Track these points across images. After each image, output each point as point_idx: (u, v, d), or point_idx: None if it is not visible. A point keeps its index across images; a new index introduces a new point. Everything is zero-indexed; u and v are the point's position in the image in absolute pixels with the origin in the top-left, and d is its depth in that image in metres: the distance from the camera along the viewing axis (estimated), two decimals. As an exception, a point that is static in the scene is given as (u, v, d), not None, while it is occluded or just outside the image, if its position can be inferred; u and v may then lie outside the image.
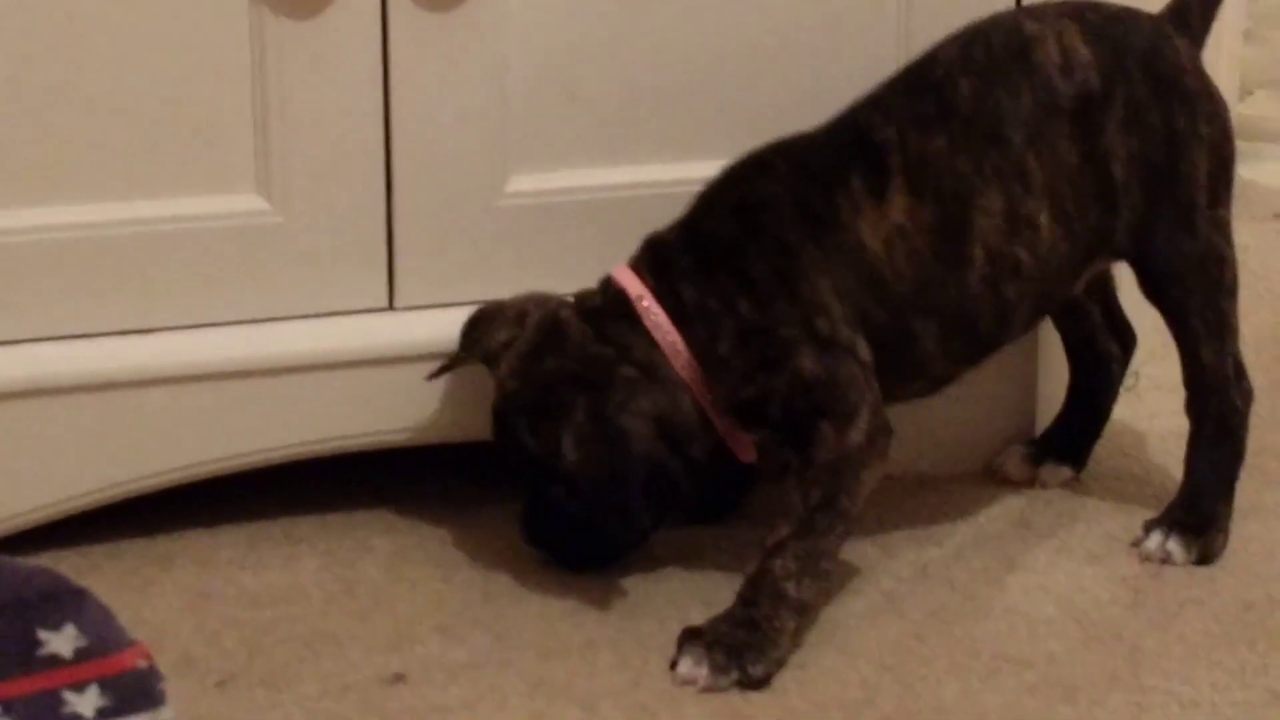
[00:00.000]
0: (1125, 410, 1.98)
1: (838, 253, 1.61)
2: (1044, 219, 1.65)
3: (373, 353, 1.73)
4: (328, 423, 1.73)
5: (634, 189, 1.75)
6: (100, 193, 1.67)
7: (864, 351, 1.60)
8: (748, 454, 1.67)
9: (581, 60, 1.74)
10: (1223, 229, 1.72)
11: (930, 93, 1.65)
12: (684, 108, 1.76)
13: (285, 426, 1.72)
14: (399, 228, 1.73)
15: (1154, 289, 1.72)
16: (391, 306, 1.75)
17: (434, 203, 1.73)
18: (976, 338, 1.66)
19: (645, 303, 1.62)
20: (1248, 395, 1.75)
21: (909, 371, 1.65)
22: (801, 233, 1.61)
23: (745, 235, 1.62)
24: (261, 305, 1.72)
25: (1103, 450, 1.90)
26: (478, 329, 1.69)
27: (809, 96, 1.69)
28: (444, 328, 1.73)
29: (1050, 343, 1.87)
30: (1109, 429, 1.91)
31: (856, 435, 1.57)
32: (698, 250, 1.63)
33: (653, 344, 1.61)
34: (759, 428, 1.63)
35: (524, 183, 1.75)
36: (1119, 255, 1.72)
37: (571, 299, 1.67)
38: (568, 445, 1.60)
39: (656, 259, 1.64)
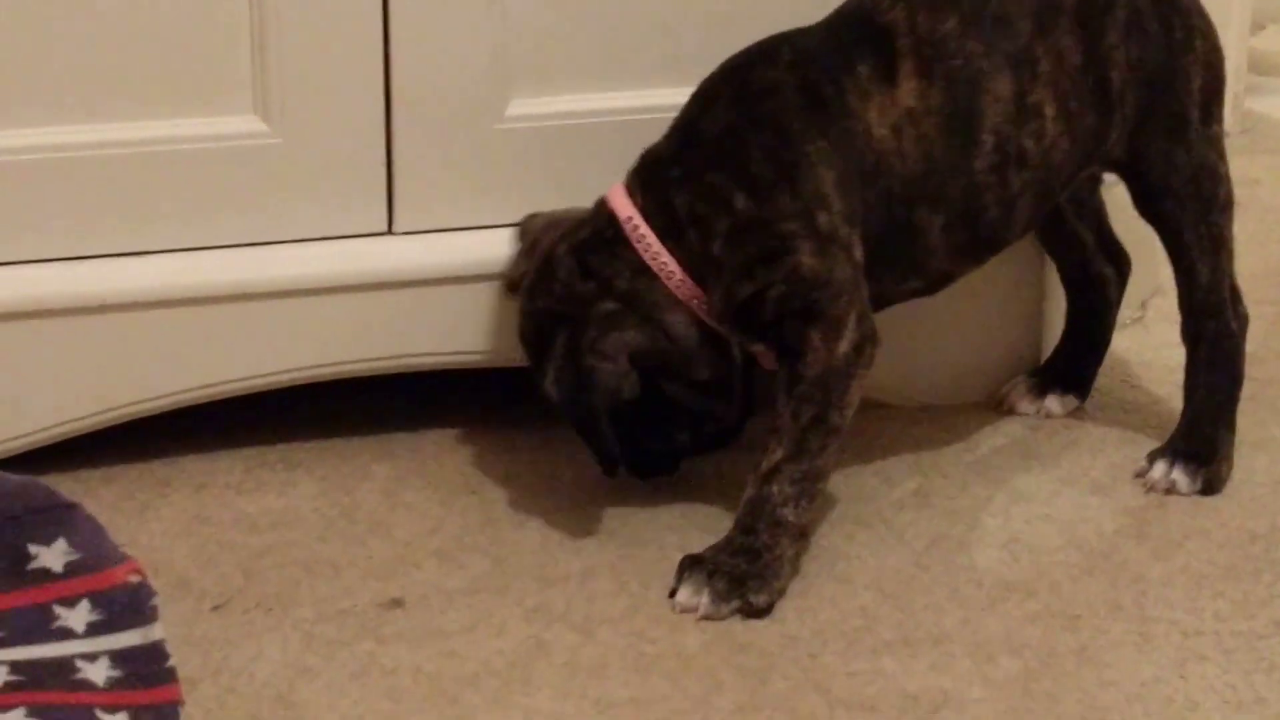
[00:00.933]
0: (1132, 341, 1.96)
1: (845, 141, 1.59)
2: (1049, 110, 1.63)
3: (371, 277, 1.71)
4: (326, 347, 1.72)
5: (635, 113, 1.73)
6: (97, 113, 1.65)
7: (859, 252, 1.59)
8: (770, 361, 1.64)
9: (582, -19, 1.72)
10: (1215, 145, 1.72)
11: None
12: (686, 30, 1.75)
13: (283, 351, 1.71)
14: (398, 151, 1.72)
15: (1148, 202, 1.72)
16: (390, 230, 1.74)
17: (434, 126, 1.72)
18: (980, 230, 1.64)
19: (633, 223, 1.60)
20: (1243, 320, 1.74)
21: (909, 267, 1.63)
22: (806, 120, 1.58)
23: (745, 125, 1.59)
24: (259, 228, 1.71)
25: (1109, 381, 1.89)
26: (520, 242, 1.72)
27: (814, 18, 1.66)
28: (443, 252, 1.72)
29: (1054, 272, 1.85)
30: (1114, 358, 1.90)
31: (844, 345, 1.56)
32: (692, 151, 1.60)
33: (641, 269, 1.59)
34: (752, 335, 1.61)
35: (525, 106, 1.74)
36: (1112, 164, 1.71)
37: (568, 227, 1.65)
38: (549, 382, 1.60)
39: (648, 173, 1.62)
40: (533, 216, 1.71)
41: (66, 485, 1.66)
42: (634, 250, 1.60)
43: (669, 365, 1.61)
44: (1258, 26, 2.74)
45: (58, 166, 1.65)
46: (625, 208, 1.61)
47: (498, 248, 1.72)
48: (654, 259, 1.59)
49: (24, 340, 1.65)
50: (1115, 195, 1.81)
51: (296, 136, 1.69)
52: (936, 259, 1.64)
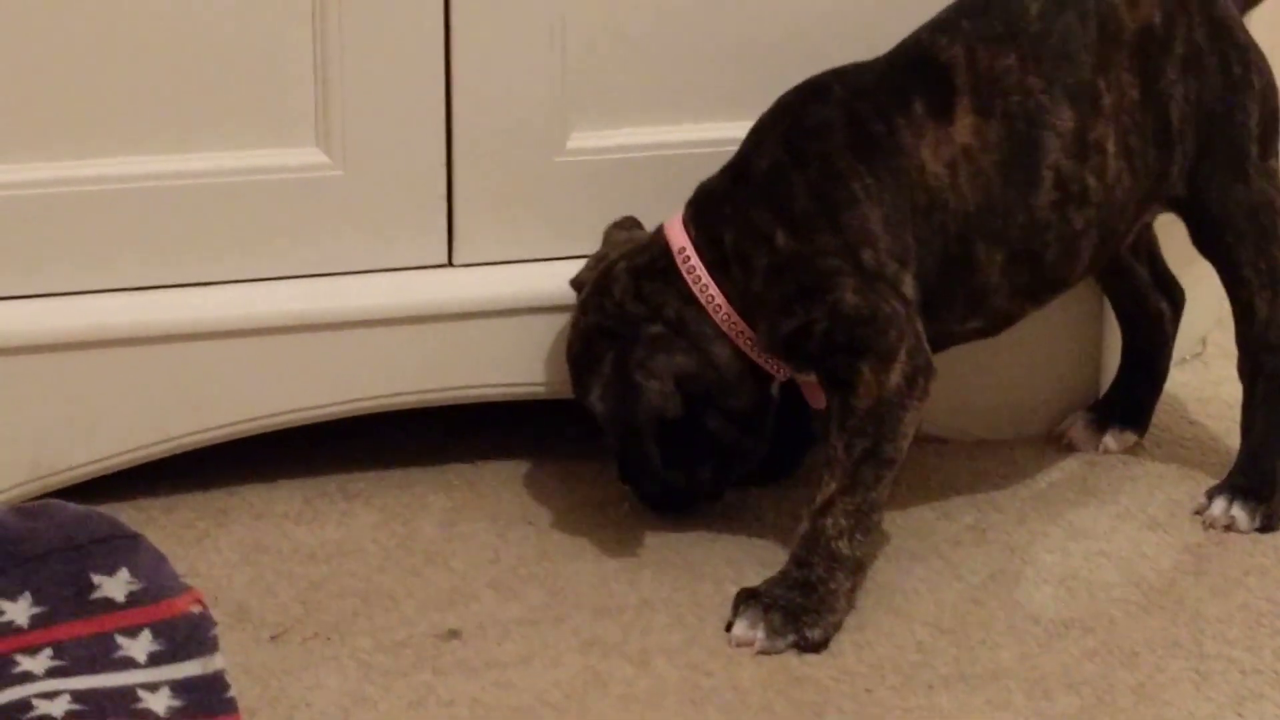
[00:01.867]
0: (1191, 376, 1.96)
1: (894, 179, 1.58)
2: (1111, 146, 1.63)
3: (432, 309, 1.72)
4: (386, 379, 1.73)
5: (695, 146, 1.74)
6: (162, 145, 1.67)
7: (909, 288, 1.58)
8: (817, 399, 1.66)
9: (642, 15, 1.72)
10: (1274, 179, 1.71)
11: (998, 11, 1.63)
12: (745, 63, 1.75)
13: (343, 382, 1.72)
14: (459, 183, 1.73)
15: (1206, 238, 1.71)
16: (450, 263, 1.75)
17: (494, 158, 1.72)
18: (1042, 269, 1.63)
19: (684, 254, 1.61)
20: None
21: (969, 306, 1.63)
22: (854, 158, 1.59)
23: (791, 163, 1.60)
24: (320, 260, 1.72)
25: (1167, 416, 1.88)
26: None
27: (878, 43, 1.66)
28: (503, 284, 1.73)
29: (1109, 302, 1.84)
30: (1173, 394, 1.89)
31: (895, 377, 1.55)
32: (741, 188, 1.62)
33: (689, 299, 1.61)
34: (803, 366, 1.61)
35: (585, 139, 1.74)
36: (1172, 202, 1.71)
37: (634, 243, 1.68)
38: (595, 397, 1.63)
39: (701, 207, 1.63)
40: (618, 226, 1.73)
41: (127, 513, 1.67)
42: (684, 281, 1.61)
43: (709, 393, 1.63)
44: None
45: (122, 197, 1.67)
46: (679, 239, 1.62)
47: (557, 280, 1.73)
48: (702, 291, 1.61)
49: (88, 369, 1.66)
50: (1169, 229, 1.80)
51: (358, 169, 1.70)
52: (997, 297, 1.63)
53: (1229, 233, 1.70)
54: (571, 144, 1.74)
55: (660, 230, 1.65)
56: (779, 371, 1.64)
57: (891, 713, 1.45)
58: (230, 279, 1.70)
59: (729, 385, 1.63)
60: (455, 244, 1.74)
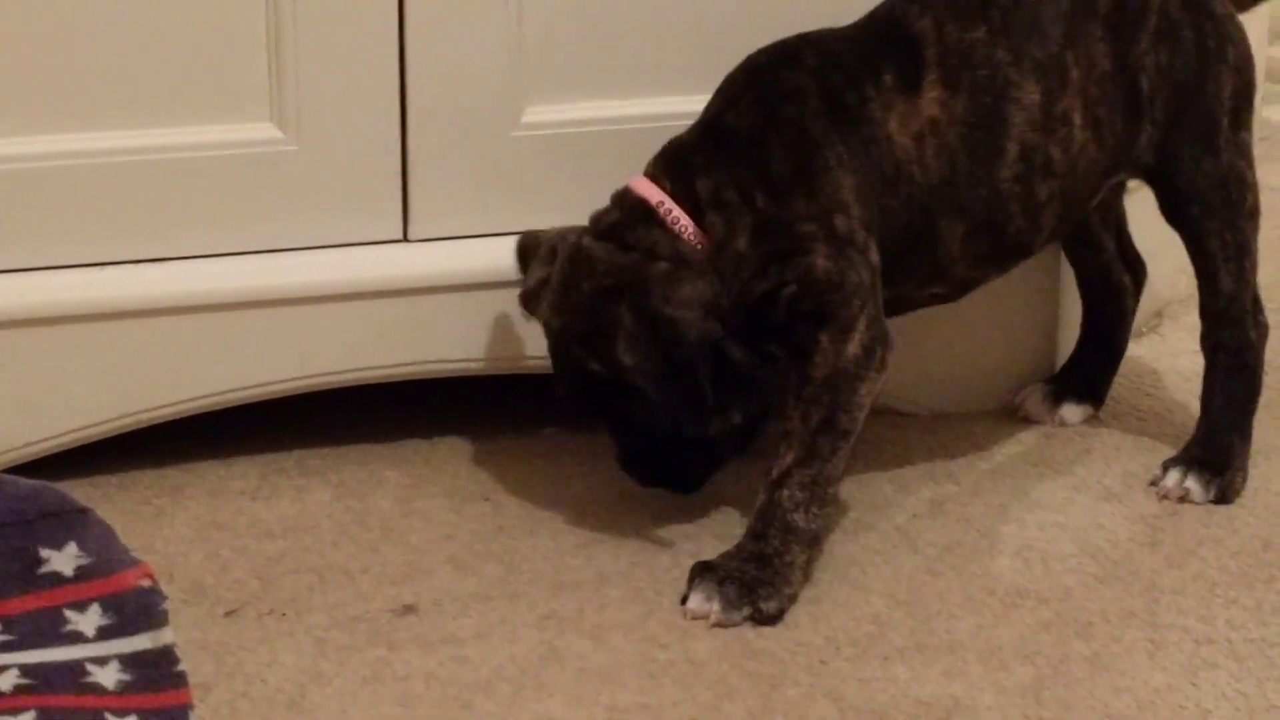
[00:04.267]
0: (1147, 349, 1.96)
1: (863, 149, 1.59)
2: (1077, 118, 1.63)
3: (387, 284, 1.72)
4: (341, 354, 1.73)
5: (651, 120, 1.73)
6: (114, 120, 1.66)
7: (875, 257, 1.58)
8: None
9: (597, -12, 1.73)
10: (1245, 152, 1.71)
11: None
12: (700, 38, 1.75)
13: (298, 357, 1.72)
14: (414, 159, 1.72)
15: (1174, 208, 1.71)
16: (406, 238, 1.74)
17: (449, 134, 1.72)
18: (1004, 239, 1.64)
19: (665, 206, 1.60)
20: (1264, 330, 1.73)
21: (930, 273, 1.63)
22: (827, 126, 1.59)
23: (767, 127, 1.59)
24: (275, 235, 1.71)
25: (1123, 388, 1.89)
26: (524, 260, 1.69)
27: (833, 18, 1.66)
28: (458, 259, 1.73)
29: (1071, 281, 1.85)
30: (1130, 367, 1.89)
31: (853, 347, 1.56)
32: (716, 143, 1.60)
33: (677, 238, 1.59)
34: (762, 334, 1.60)
35: (540, 114, 1.74)
36: (1140, 171, 1.71)
37: (588, 223, 1.64)
38: (621, 351, 1.57)
39: (673, 161, 1.62)
40: (532, 233, 1.69)
41: (83, 490, 1.67)
42: (668, 228, 1.59)
43: (726, 322, 1.58)
44: (1276, 35, 2.74)
45: (75, 173, 1.66)
46: (654, 193, 1.61)
47: (513, 255, 1.73)
48: (689, 236, 1.59)
49: (42, 346, 1.66)
50: (1133, 201, 1.81)
51: (312, 144, 1.70)
52: (958, 266, 1.64)
53: (1196, 204, 1.70)
54: (527, 118, 1.74)
55: (625, 192, 1.63)
56: None
57: (847, 684, 1.46)
58: (185, 255, 1.70)
59: (731, 309, 1.59)
60: (410, 219, 1.74)
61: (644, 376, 1.57)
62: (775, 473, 1.55)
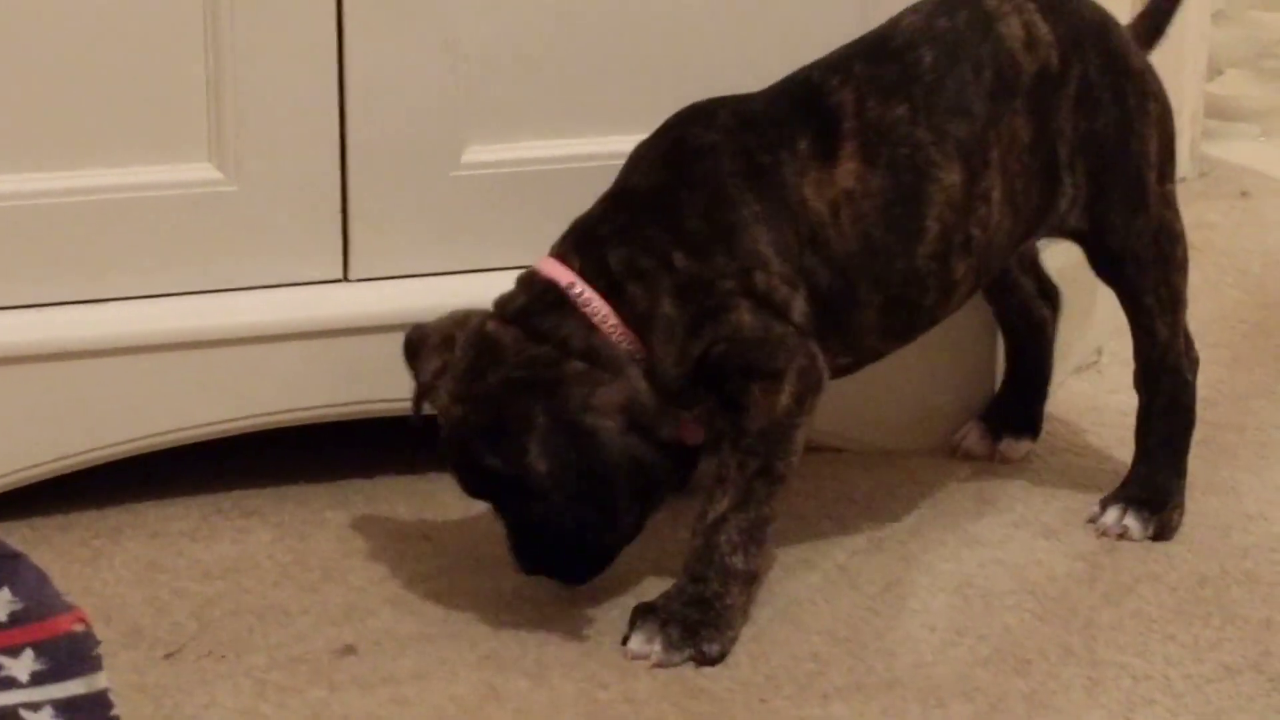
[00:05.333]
0: (1086, 386, 1.97)
1: (778, 210, 1.57)
2: (996, 195, 1.62)
3: (327, 324, 1.72)
4: (281, 395, 1.72)
5: (591, 160, 1.74)
6: (51, 161, 1.66)
7: (799, 312, 1.57)
8: (695, 435, 1.61)
9: (536, 30, 1.73)
10: (1171, 204, 1.72)
11: (892, 60, 1.61)
12: (641, 78, 1.76)
13: (238, 398, 1.71)
14: (354, 198, 1.72)
15: (1108, 267, 1.71)
16: (346, 278, 1.74)
17: (389, 173, 1.72)
18: (918, 314, 1.63)
19: (576, 288, 1.54)
20: (1195, 364, 1.75)
21: (843, 342, 1.60)
22: (741, 184, 1.56)
23: (677, 184, 1.56)
24: (215, 275, 1.71)
25: (1061, 425, 1.90)
26: (415, 357, 1.61)
27: (772, 67, 1.66)
28: (398, 299, 1.73)
29: (1010, 317, 1.86)
30: (1069, 403, 1.91)
31: (785, 399, 1.54)
32: (625, 209, 1.57)
33: (591, 329, 1.54)
34: (704, 392, 1.59)
35: (480, 153, 1.74)
36: (1069, 233, 1.70)
37: (491, 307, 1.58)
38: (534, 456, 1.51)
39: (581, 237, 1.57)
40: (419, 326, 1.61)
41: (20, 532, 1.66)
42: (581, 314, 1.54)
43: (642, 425, 1.54)
44: (1215, 71, 2.76)
45: (11, 214, 1.66)
46: (563, 275, 1.55)
47: (454, 294, 1.72)
48: (603, 321, 1.54)
49: (-21, 388, 1.66)
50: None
51: (251, 184, 1.70)
52: (870, 337, 1.62)
53: (1131, 264, 1.70)
54: (466, 158, 1.74)
55: (531, 274, 1.57)
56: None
57: (787, 723, 1.46)
58: (123, 295, 1.69)
59: (654, 412, 1.55)
60: (350, 259, 1.74)
61: (558, 487, 1.51)
62: (711, 517, 1.55)
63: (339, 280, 1.74)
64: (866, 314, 1.60)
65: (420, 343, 1.61)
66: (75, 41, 1.64)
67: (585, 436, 1.51)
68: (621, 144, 1.70)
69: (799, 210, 1.57)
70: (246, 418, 1.72)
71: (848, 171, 1.58)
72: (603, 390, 1.52)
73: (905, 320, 1.62)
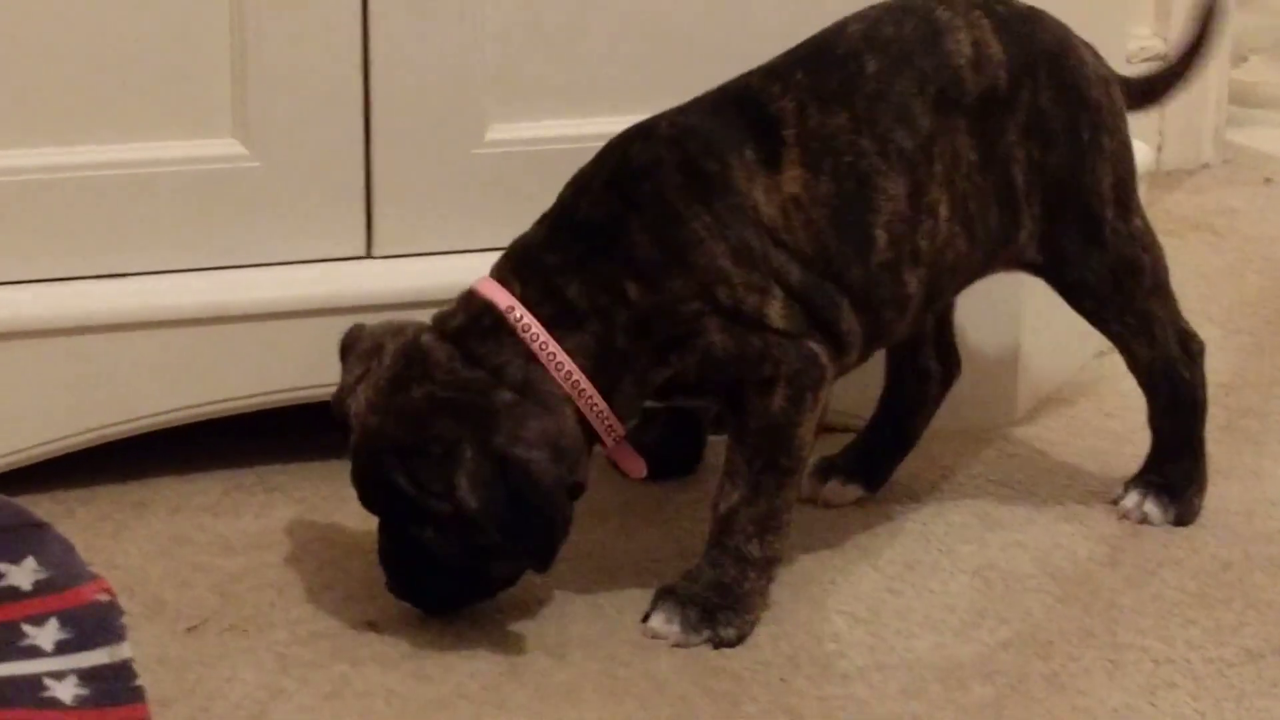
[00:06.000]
0: (1109, 369, 1.97)
1: (732, 215, 1.51)
2: (943, 210, 1.58)
3: (350, 300, 1.72)
4: (305, 370, 1.72)
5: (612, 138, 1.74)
6: (76, 136, 1.66)
7: (777, 315, 1.52)
8: (637, 469, 1.58)
9: (559, 7, 1.73)
10: (1138, 238, 1.66)
11: (834, 68, 1.57)
12: (664, 55, 1.76)
13: (261, 373, 1.72)
14: (377, 175, 1.72)
15: (1069, 299, 1.68)
16: (369, 254, 1.74)
17: (413, 150, 1.72)
18: (879, 324, 1.57)
19: (516, 313, 1.49)
20: (1196, 355, 1.71)
21: (839, 339, 1.56)
22: (689, 197, 1.51)
23: (625, 212, 1.50)
24: (238, 251, 1.71)
25: (1085, 408, 1.90)
26: (344, 358, 1.57)
27: (791, 43, 1.67)
28: (421, 276, 1.73)
29: (1032, 301, 1.85)
30: (1092, 387, 1.90)
31: (779, 401, 1.52)
32: (573, 239, 1.51)
33: (528, 359, 1.49)
34: (685, 397, 1.57)
35: (503, 131, 1.74)
36: (1027, 266, 1.66)
37: (429, 321, 1.54)
38: (464, 490, 1.45)
39: (522, 262, 1.52)
40: (357, 327, 1.58)
41: (44, 505, 1.67)
42: (520, 341, 1.49)
43: (566, 464, 1.48)
44: (1239, 58, 2.75)
45: (36, 189, 1.66)
46: (502, 297, 1.50)
47: (475, 271, 1.72)
48: (541, 349, 1.49)
49: (4, 361, 1.66)
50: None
51: (276, 160, 1.70)
52: (855, 338, 1.57)
53: (1088, 298, 1.67)
54: (490, 136, 1.74)
55: (470, 293, 1.53)
56: (610, 434, 1.52)
57: (807, 702, 1.46)
58: (147, 270, 1.70)
59: (579, 452, 1.50)
60: (374, 235, 1.74)
61: (491, 521, 1.46)
62: (723, 508, 1.54)
63: (362, 257, 1.74)
64: (844, 309, 1.55)
65: (351, 345, 1.57)
66: (100, 17, 1.64)
67: (517, 469, 1.45)
68: (645, 123, 1.70)
69: (753, 216, 1.52)
70: (269, 393, 1.73)
71: (792, 179, 1.54)
72: (532, 421, 1.47)
73: (869, 330, 1.57)
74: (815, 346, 1.53)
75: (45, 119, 1.65)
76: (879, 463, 1.76)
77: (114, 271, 1.69)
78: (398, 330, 1.54)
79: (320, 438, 1.81)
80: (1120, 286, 1.66)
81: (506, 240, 1.71)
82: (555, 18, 1.73)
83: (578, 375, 1.50)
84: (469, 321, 1.51)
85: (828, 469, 1.74)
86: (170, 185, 1.68)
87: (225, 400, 1.72)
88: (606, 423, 1.52)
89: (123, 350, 1.68)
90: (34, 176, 1.65)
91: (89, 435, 1.69)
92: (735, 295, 1.51)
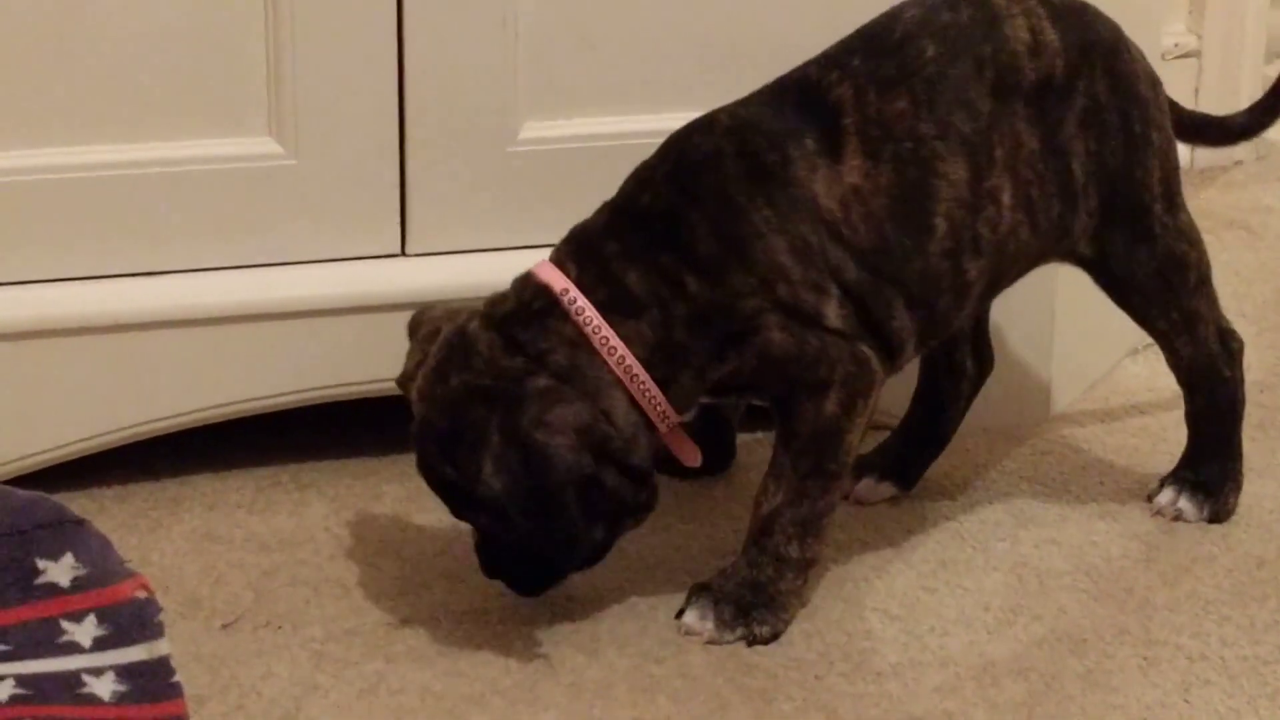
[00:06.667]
0: (1142, 367, 1.97)
1: (792, 208, 1.51)
2: (1005, 198, 1.57)
3: (385, 298, 1.72)
4: (339, 368, 1.73)
5: (647, 136, 1.71)
6: (112, 134, 1.67)
7: (834, 315, 1.51)
8: (692, 457, 1.58)
9: (594, 6, 1.73)
10: (1184, 232, 1.66)
11: (891, 53, 1.56)
12: (698, 54, 1.76)
13: (296, 371, 1.72)
14: (412, 173, 1.73)
15: (1114, 295, 1.68)
16: (404, 252, 1.75)
17: (447, 149, 1.73)
18: (935, 316, 1.57)
19: (570, 295, 1.49)
20: (1236, 353, 1.71)
21: (890, 340, 1.55)
22: (750, 189, 1.51)
23: (685, 204, 1.51)
24: (273, 249, 1.72)
25: (1118, 405, 1.89)
26: (410, 340, 1.60)
27: (830, 42, 1.66)
28: (455, 274, 1.73)
29: (1065, 296, 1.85)
30: (1126, 384, 1.90)
31: (831, 406, 1.51)
32: (631, 228, 1.52)
33: (576, 343, 1.49)
34: (737, 395, 1.57)
35: (537, 130, 1.75)
36: (1076, 260, 1.66)
37: (483, 305, 1.54)
38: (489, 474, 1.47)
39: (581, 247, 1.52)
40: (428, 308, 1.59)
41: (80, 502, 1.68)
42: (571, 323, 1.49)
43: (606, 448, 1.49)
44: (1273, 54, 2.74)
45: (73, 186, 1.67)
46: (558, 280, 1.50)
47: (510, 270, 1.72)
48: (595, 332, 1.49)
49: (40, 359, 1.66)
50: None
51: (311, 158, 1.70)
52: (907, 335, 1.56)
53: (1136, 293, 1.66)
54: (524, 134, 1.74)
55: (526, 276, 1.53)
56: (665, 420, 1.52)
57: (841, 699, 1.46)
58: (183, 268, 1.70)
59: (627, 438, 1.50)
60: (408, 233, 1.74)
61: (512, 504, 1.47)
62: (766, 509, 1.54)
63: (397, 255, 1.75)
64: (900, 319, 1.55)
65: (414, 330, 1.59)
66: (137, 15, 1.64)
67: (535, 454, 1.46)
68: (678, 120, 1.69)
69: (813, 209, 1.52)
70: (304, 391, 1.73)
71: (853, 168, 1.53)
72: (560, 408, 1.47)
73: (925, 323, 1.56)
74: (867, 350, 1.53)
75: (82, 117, 1.66)
76: (912, 461, 1.75)
77: (149, 269, 1.69)
78: (453, 315, 1.55)
79: (354, 435, 1.82)
80: (1167, 283, 1.66)
81: (541, 238, 1.72)
82: (590, 16, 1.73)
83: (630, 360, 1.49)
84: (518, 306, 1.51)
85: (861, 467, 1.74)
86: (206, 183, 1.69)
87: (259, 398, 1.72)
88: (660, 410, 1.52)
89: (158, 348, 1.69)
90: (69, 175, 1.66)
91: (125, 433, 1.70)
92: (795, 293, 1.51)
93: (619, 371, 1.50)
